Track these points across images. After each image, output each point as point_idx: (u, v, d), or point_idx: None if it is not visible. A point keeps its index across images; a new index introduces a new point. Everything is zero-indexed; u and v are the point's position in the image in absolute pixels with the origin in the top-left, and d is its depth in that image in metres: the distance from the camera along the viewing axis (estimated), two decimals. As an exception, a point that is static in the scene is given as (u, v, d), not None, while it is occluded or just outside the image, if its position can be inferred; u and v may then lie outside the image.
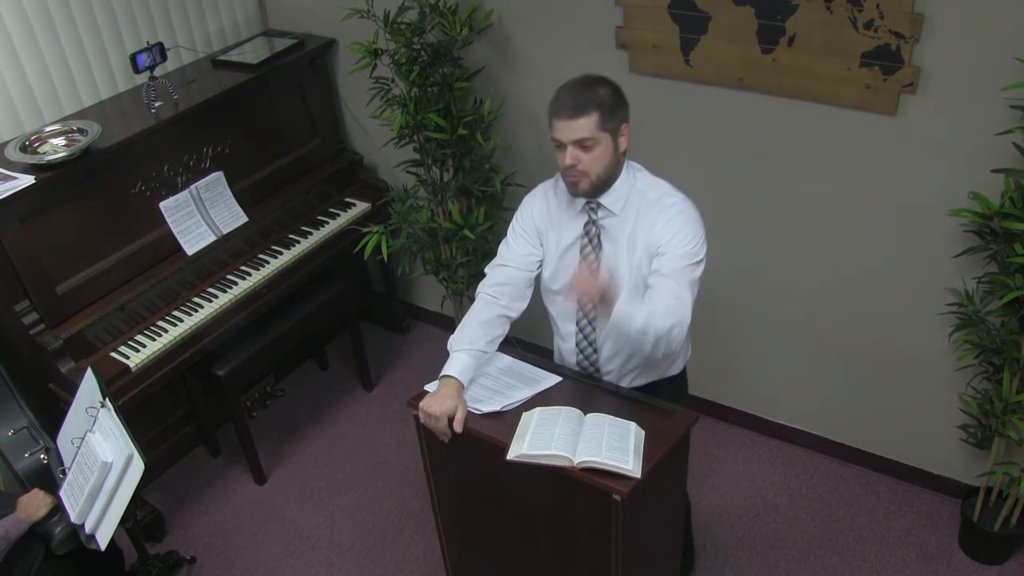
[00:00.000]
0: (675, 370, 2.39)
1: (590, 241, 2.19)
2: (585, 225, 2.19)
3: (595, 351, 2.30)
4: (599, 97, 2.02)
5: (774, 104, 2.75)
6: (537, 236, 2.27)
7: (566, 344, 2.36)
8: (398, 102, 3.14)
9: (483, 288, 2.30)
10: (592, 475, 1.97)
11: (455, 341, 2.22)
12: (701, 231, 2.12)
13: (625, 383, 2.32)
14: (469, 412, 2.16)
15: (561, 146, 2.05)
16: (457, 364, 2.17)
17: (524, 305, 2.31)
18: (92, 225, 2.97)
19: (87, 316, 2.93)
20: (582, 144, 2.03)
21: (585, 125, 2.00)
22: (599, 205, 2.15)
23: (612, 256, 2.18)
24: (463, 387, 2.16)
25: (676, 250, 2.09)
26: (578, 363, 2.35)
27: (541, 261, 2.30)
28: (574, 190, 2.11)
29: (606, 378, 2.33)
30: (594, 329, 2.27)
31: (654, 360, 2.25)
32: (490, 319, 2.24)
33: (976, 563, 2.91)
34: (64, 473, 2.56)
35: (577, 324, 2.29)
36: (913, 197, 2.67)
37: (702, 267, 2.12)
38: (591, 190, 2.10)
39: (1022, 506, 2.79)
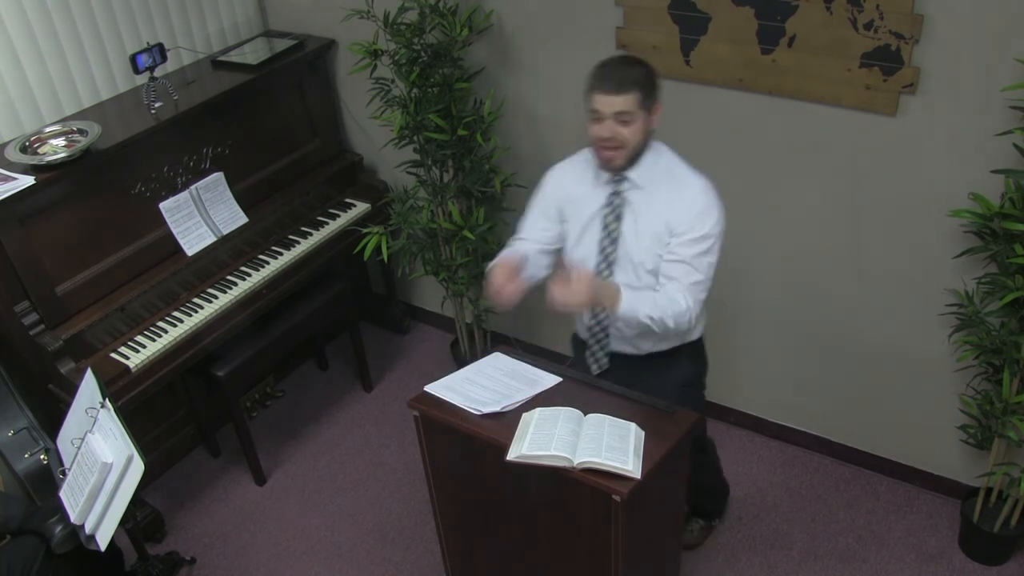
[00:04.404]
0: (695, 335, 2.47)
1: (613, 211, 2.28)
2: (609, 196, 2.28)
3: (608, 319, 2.40)
4: (641, 76, 2.15)
5: (774, 105, 2.75)
6: (556, 211, 2.38)
7: (580, 317, 2.50)
8: (398, 103, 3.14)
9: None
10: (592, 475, 1.98)
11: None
12: (717, 213, 2.23)
13: (645, 350, 2.42)
14: (469, 412, 2.17)
15: (599, 119, 2.16)
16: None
17: (542, 273, 2.42)
18: (92, 226, 2.97)
19: (87, 317, 2.93)
20: (622, 118, 2.14)
21: (626, 101, 2.13)
22: (624, 178, 2.25)
23: (632, 229, 2.27)
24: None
25: (691, 233, 2.20)
26: (589, 328, 2.46)
27: (558, 236, 2.40)
28: (609, 164, 2.22)
29: (623, 346, 2.44)
30: None
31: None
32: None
33: (976, 564, 2.91)
34: (64, 474, 2.56)
35: None
36: (913, 198, 2.68)
37: (718, 245, 2.24)
38: (625, 163, 2.22)
39: (1022, 507, 2.79)
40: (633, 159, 2.22)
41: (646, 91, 2.15)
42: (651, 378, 2.43)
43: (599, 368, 2.50)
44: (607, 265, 2.31)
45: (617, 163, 2.21)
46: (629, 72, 2.15)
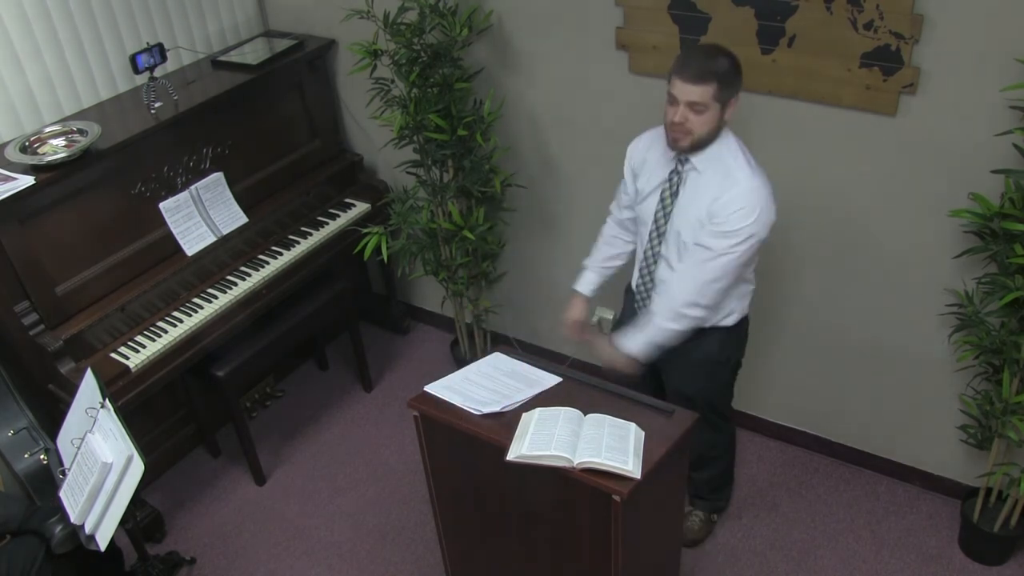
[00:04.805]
0: (727, 321, 2.55)
1: (671, 187, 2.40)
2: (670, 173, 2.40)
3: (652, 282, 2.56)
4: (721, 69, 2.20)
5: (774, 105, 2.75)
6: (632, 174, 2.54)
7: (634, 270, 2.65)
8: (398, 103, 3.14)
9: (609, 219, 2.72)
10: (592, 475, 1.98)
11: (587, 260, 2.75)
12: (755, 214, 2.27)
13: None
14: (469, 412, 2.17)
15: (674, 102, 2.24)
16: (581, 280, 2.73)
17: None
18: (92, 226, 2.97)
19: (87, 317, 2.93)
20: (694, 107, 2.22)
21: (702, 92, 2.19)
22: (687, 159, 2.35)
23: (682, 208, 2.39)
24: (585, 297, 2.71)
25: (724, 226, 2.29)
26: (636, 286, 2.63)
27: None
28: (674, 144, 2.32)
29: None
30: (656, 262, 2.51)
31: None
32: (607, 238, 2.71)
33: (976, 564, 2.91)
34: (64, 474, 2.56)
35: (644, 255, 2.54)
36: (913, 198, 2.68)
37: (752, 241, 2.30)
38: (689, 148, 2.30)
39: (1022, 507, 2.79)
40: (699, 146, 2.30)
41: (724, 85, 2.20)
42: (680, 348, 2.55)
43: None
44: (658, 236, 2.46)
45: (681, 145, 2.29)
46: (711, 63, 2.20)
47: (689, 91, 2.20)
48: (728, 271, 2.33)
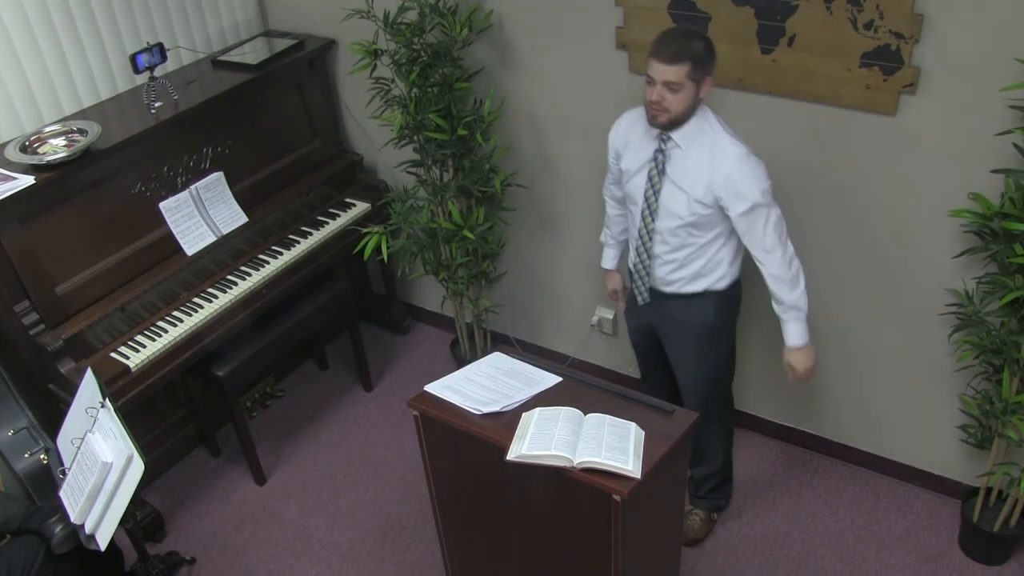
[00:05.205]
0: (720, 285, 2.62)
1: (656, 165, 2.49)
2: (654, 152, 2.49)
3: (649, 258, 2.61)
4: (695, 50, 2.31)
5: (774, 104, 2.75)
6: (615, 153, 2.65)
7: (630, 251, 2.73)
8: (398, 102, 3.14)
9: (606, 198, 2.87)
10: (592, 475, 1.98)
11: (602, 237, 2.96)
12: (755, 178, 2.40)
13: (673, 289, 2.62)
14: (469, 412, 2.17)
15: (652, 82, 2.36)
16: (604, 257, 2.96)
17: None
18: (92, 225, 2.97)
19: (87, 317, 2.93)
20: (670, 86, 2.33)
21: (677, 72, 2.31)
22: (668, 137, 2.45)
23: (671, 183, 2.48)
24: (614, 269, 2.95)
25: (742, 206, 2.40)
26: (634, 265, 2.69)
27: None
28: (653, 121, 2.43)
29: (657, 283, 2.65)
30: (651, 239, 2.57)
31: (700, 273, 2.58)
32: (612, 218, 2.88)
33: (976, 564, 2.91)
34: (64, 473, 2.56)
35: (639, 233, 2.60)
36: (913, 197, 2.68)
37: (770, 192, 2.43)
38: (667, 124, 2.41)
39: (1022, 507, 2.80)
40: (676, 122, 2.40)
41: (698, 65, 2.31)
42: (679, 317, 2.67)
43: (643, 300, 2.72)
44: (651, 214, 2.54)
45: (659, 121, 2.40)
46: (685, 45, 2.30)
47: (665, 71, 2.30)
48: (780, 223, 2.46)
